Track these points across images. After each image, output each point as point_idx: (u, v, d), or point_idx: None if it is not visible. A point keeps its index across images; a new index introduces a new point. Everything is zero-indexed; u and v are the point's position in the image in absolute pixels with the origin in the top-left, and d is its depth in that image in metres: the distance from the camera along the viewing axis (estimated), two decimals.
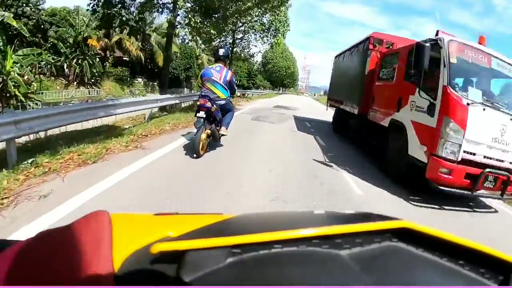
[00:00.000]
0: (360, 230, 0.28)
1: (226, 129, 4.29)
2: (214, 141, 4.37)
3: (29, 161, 3.06)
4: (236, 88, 4.41)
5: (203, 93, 4.02)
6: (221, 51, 4.18)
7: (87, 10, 9.79)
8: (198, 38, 11.62)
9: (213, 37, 11.63)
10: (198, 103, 3.93)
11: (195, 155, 3.89)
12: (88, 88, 20.85)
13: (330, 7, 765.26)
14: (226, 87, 4.07)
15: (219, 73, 4.01)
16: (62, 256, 0.28)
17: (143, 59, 27.52)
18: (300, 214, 0.40)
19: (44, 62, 17.67)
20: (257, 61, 57.58)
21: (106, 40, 24.29)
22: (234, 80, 4.19)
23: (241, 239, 0.26)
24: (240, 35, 21.43)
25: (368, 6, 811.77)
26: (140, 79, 30.48)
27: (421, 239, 0.28)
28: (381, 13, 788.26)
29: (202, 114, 3.82)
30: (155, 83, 30.45)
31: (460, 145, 3.39)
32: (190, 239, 0.26)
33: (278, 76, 56.02)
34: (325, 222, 0.34)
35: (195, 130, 4.05)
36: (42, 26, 18.21)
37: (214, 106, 3.91)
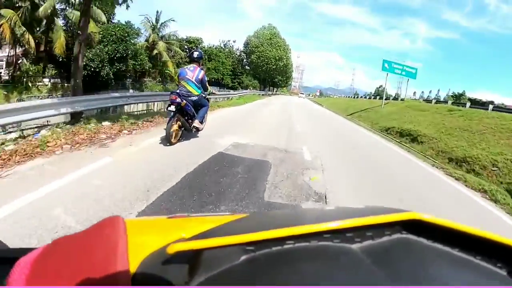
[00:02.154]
0: (370, 223, 0.28)
1: (200, 122, 4.75)
2: (187, 132, 4.84)
3: None
4: (208, 86, 4.94)
5: (177, 90, 4.49)
6: (195, 54, 4.79)
7: None
8: None
9: None
10: (169, 98, 4.38)
11: (168, 144, 4.26)
12: None
13: (322, 7, 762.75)
14: (198, 84, 4.58)
15: (193, 72, 4.53)
16: (78, 262, 0.29)
17: (33, 47, 16.69)
18: (310, 210, 0.41)
19: None
20: (238, 48, 45.70)
21: None
22: (205, 78, 4.73)
23: (254, 236, 0.26)
24: None
25: (360, 6, 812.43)
26: (46, 80, 19.67)
27: (431, 230, 0.28)
28: (372, 13, 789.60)
29: (172, 108, 4.27)
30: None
31: None
32: (204, 238, 0.27)
33: (266, 71, 43.47)
34: (335, 217, 0.32)
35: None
36: None
37: (184, 101, 4.34)
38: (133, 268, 0.28)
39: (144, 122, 5.60)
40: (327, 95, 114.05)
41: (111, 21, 20.44)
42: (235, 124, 7.45)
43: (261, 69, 43.34)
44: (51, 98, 12.30)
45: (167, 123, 4.29)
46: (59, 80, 20.45)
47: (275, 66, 43.09)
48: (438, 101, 17.15)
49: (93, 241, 0.31)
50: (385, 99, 21.77)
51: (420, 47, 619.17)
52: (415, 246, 0.28)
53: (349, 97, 53.30)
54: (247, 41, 44.78)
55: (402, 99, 20.05)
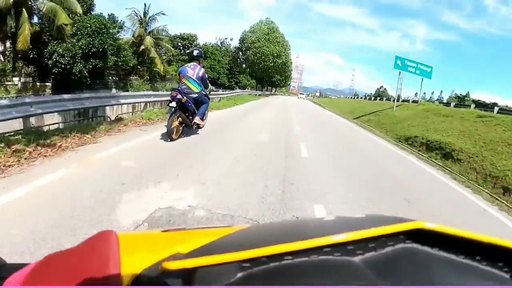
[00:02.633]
0: (373, 235, 0.27)
1: (201, 118, 4.86)
2: (188, 129, 4.95)
3: None
4: (209, 83, 5.14)
5: (178, 87, 4.72)
6: (195, 52, 4.99)
7: None
8: None
9: None
10: (171, 95, 4.58)
11: (169, 139, 4.46)
12: None
13: (321, 7, 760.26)
14: (199, 82, 4.75)
15: (193, 70, 4.72)
16: (71, 278, 0.28)
17: None
18: (310, 221, 0.41)
19: None
20: (229, 44, 43.49)
21: None
22: (206, 76, 4.91)
23: (250, 253, 0.25)
24: None
25: (359, 8, 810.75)
26: (16, 79, 17.53)
27: (435, 239, 0.28)
28: (371, 14, 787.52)
29: (173, 104, 4.42)
30: (49, 83, 17.74)
31: None
32: (200, 255, 0.26)
33: (263, 69, 39.90)
34: (334, 228, 0.32)
35: None
36: None
37: (185, 98, 4.51)
38: (126, 284, 0.28)
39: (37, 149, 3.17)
40: (326, 95, 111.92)
41: (90, 13, 18.30)
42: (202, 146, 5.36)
43: (258, 66, 39.96)
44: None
45: (168, 119, 4.48)
46: (31, 79, 18.34)
47: (273, 64, 39.50)
48: (457, 105, 15.12)
49: (86, 256, 0.31)
50: (392, 101, 19.84)
51: (420, 48, 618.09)
52: (420, 255, 0.27)
53: (350, 97, 51.21)
54: (243, 37, 41.69)
55: (414, 101, 17.98)
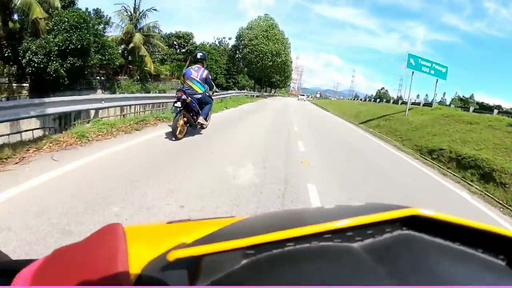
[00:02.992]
0: (370, 221, 0.28)
1: (204, 118, 5.11)
2: (192, 128, 5.14)
3: None
4: (213, 84, 5.36)
5: (183, 88, 4.88)
6: (199, 55, 5.18)
7: None
8: None
9: None
10: (176, 95, 4.85)
11: (173, 138, 4.65)
12: None
13: (321, 8, 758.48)
14: (203, 83, 4.92)
15: (197, 72, 4.88)
16: (79, 272, 0.29)
17: None
18: (310, 210, 0.41)
19: None
20: (227, 43, 41.76)
21: None
22: (209, 77, 5.07)
23: (254, 240, 0.26)
24: None
25: (359, 9, 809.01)
26: None
27: (431, 226, 0.28)
28: (371, 16, 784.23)
29: (178, 104, 4.61)
30: (27, 84, 16.16)
31: None
32: (204, 244, 0.27)
33: (261, 69, 37.17)
34: (334, 216, 0.32)
35: None
36: None
37: (189, 98, 4.68)
38: (134, 276, 0.28)
39: None
40: (326, 96, 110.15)
41: (71, 7, 16.74)
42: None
43: (255, 66, 37.27)
44: None
45: (173, 119, 4.70)
46: (7, 79, 16.77)
47: (271, 63, 36.49)
48: (476, 110, 13.59)
49: (93, 250, 0.32)
50: (400, 103, 18.31)
51: (420, 50, 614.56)
52: (416, 242, 0.27)
53: (349, 99, 49.20)
54: (240, 34, 38.93)
55: (426, 104, 16.43)
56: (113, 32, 23.17)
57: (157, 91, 21.87)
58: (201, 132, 5.53)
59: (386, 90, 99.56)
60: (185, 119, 4.77)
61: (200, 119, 5.01)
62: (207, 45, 41.31)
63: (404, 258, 0.25)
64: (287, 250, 0.26)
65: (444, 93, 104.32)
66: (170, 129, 5.08)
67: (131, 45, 21.93)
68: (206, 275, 0.25)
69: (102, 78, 21.83)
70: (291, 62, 42.31)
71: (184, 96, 4.61)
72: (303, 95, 47.34)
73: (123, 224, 0.36)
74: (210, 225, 0.40)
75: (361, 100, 35.53)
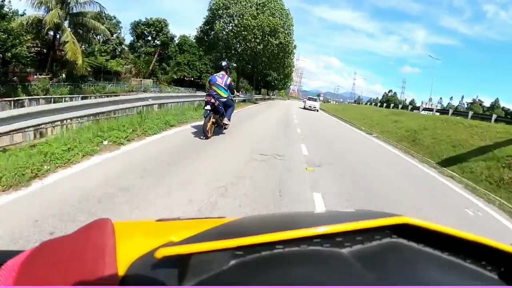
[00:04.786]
0: (360, 227, 0.28)
1: (228, 119, 5.64)
2: (219, 128, 5.71)
3: None
4: (234, 89, 6.16)
5: (210, 93, 5.32)
6: (223, 63, 5.76)
7: None
8: None
9: None
10: (205, 99, 5.36)
11: (203, 137, 5.16)
12: None
13: (321, 11, 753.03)
14: (226, 89, 5.40)
15: (222, 79, 5.38)
16: (66, 265, 0.29)
17: None
18: (301, 214, 0.41)
19: None
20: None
21: None
22: (232, 84, 5.64)
23: (243, 241, 0.26)
24: None
25: (359, 11, 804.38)
26: None
27: (421, 234, 0.28)
28: (371, 19, 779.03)
29: (208, 107, 5.17)
30: None
31: None
32: (193, 243, 0.27)
33: (248, 56, 23.32)
34: (325, 221, 0.33)
35: None
36: None
37: (217, 101, 5.20)
38: (121, 271, 0.28)
39: None
40: (326, 99, 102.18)
41: None
42: None
43: (236, 52, 22.79)
44: None
45: (204, 120, 5.20)
46: None
47: (263, 46, 20.97)
48: None
49: (81, 244, 0.31)
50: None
51: (420, 53, 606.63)
52: (405, 250, 0.27)
53: (348, 102, 41.45)
54: (214, 3, 21.95)
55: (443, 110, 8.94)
56: (33, 12, 15.53)
57: (99, 95, 14.34)
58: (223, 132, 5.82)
59: (395, 93, 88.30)
60: (213, 120, 5.30)
61: (225, 120, 5.54)
62: (188, 37, 33.68)
63: (392, 265, 0.25)
64: (276, 253, 0.26)
65: (451, 97, 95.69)
66: None
67: (47, 27, 14.37)
68: (194, 274, 0.24)
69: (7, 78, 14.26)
70: (294, 47, 25.04)
71: (213, 100, 5.13)
72: (315, 100, 25.64)
73: (112, 220, 0.35)
74: (200, 224, 0.40)
75: (366, 104, 27.71)
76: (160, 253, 0.26)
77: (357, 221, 0.28)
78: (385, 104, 29.65)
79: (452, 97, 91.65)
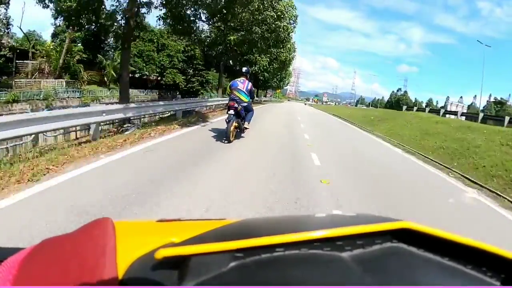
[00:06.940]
0: (361, 231, 0.28)
1: (248, 123, 6.09)
2: (240, 132, 6.14)
3: None
4: (254, 94, 6.83)
5: (232, 98, 5.69)
6: (244, 69, 6.23)
7: None
8: None
9: None
10: (228, 104, 5.68)
11: (226, 141, 5.54)
12: None
13: (317, 12, 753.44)
14: (247, 93, 5.81)
15: (243, 84, 5.80)
16: (66, 264, 0.29)
17: None
18: (302, 217, 0.41)
19: None
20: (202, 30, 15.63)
21: None
22: (253, 89, 6.04)
23: (243, 243, 0.26)
24: None
25: (355, 11, 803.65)
26: None
27: (422, 239, 0.28)
28: (368, 18, 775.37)
29: (231, 112, 5.51)
30: None
31: None
32: (193, 244, 0.27)
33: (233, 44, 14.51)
34: (326, 224, 0.33)
35: None
36: None
37: (240, 106, 5.62)
38: (121, 271, 0.28)
39: None
40: (323, 100, 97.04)
41: None
42: None
43: (216, 38, 16.06)
44: None
45: (227, 125, 5.49)
46: None
47: (254, 17, 13.21)
48: None
49: (82, 243, 0.31)
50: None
51: (417, 52, 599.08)
52: (406, 255, 0.27)
53: (349, 103, 35.88)
54: None
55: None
56: None
57: None
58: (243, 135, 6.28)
59: (405, 92, 77.35)
60: (236, 124, 5.66)
61: (246, 124, 5.96)
62: (164, 30, 26.18)
63: (392, 270, 0.26)
64: (276, 255, 0.26)
65: (461, 96, 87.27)
66: None
67: None
68: (193, 275, 0.24)
69: None
70: (293, 41, 21.19)
71: (236, 105, 5.48)
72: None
73: (113, 219, 0.35)
74: (201, 226, 0.39)
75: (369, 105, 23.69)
76: (160, 254, 0.26)
77: (358, 225, 0.28)
78: (404, 107, 25.65)
79: (461, 96, 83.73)
